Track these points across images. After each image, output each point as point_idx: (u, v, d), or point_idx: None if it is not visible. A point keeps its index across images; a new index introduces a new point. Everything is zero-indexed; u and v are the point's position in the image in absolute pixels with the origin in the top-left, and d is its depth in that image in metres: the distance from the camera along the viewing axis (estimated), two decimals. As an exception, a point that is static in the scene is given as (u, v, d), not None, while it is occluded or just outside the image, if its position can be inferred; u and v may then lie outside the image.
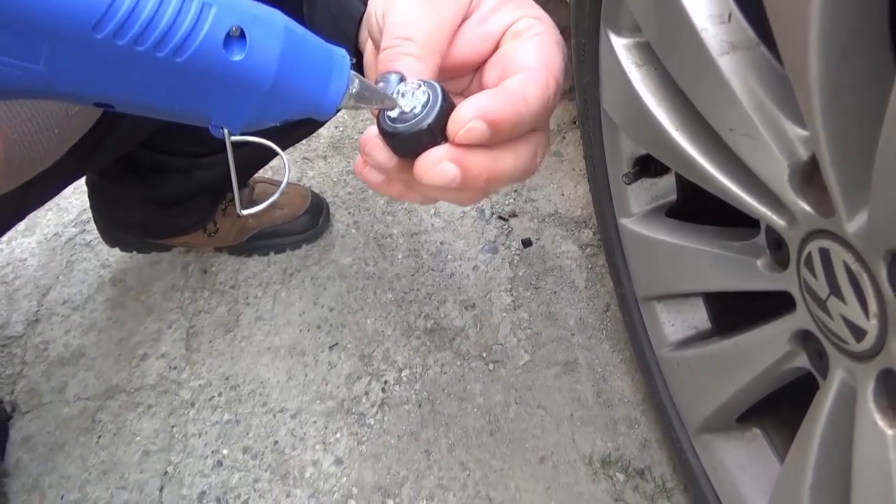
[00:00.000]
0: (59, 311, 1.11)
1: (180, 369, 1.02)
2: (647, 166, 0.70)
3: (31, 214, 1.23)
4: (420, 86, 0.33)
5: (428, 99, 0.32)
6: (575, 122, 1.27)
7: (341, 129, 1.39)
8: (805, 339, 0.53)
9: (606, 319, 0.99)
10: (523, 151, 0.36)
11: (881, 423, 0.44)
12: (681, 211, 0.72)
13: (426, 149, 0.32)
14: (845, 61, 0.36)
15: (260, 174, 1.16)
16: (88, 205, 1.08)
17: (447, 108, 0.32)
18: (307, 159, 1.33)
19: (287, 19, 0.29)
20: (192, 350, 1.04)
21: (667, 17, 0.50)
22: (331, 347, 1.02)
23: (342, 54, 0.32)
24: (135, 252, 1.15)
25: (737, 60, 0.47)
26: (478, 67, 0.39)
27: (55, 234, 1.24)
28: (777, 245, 0.53)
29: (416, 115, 0.32)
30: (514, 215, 1.15)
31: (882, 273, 0.41)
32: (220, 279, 1.13)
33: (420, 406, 0.94)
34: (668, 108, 0.58)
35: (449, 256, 1.10)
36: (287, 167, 0.37)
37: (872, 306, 0.42)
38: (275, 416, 0.95)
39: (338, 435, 0.92)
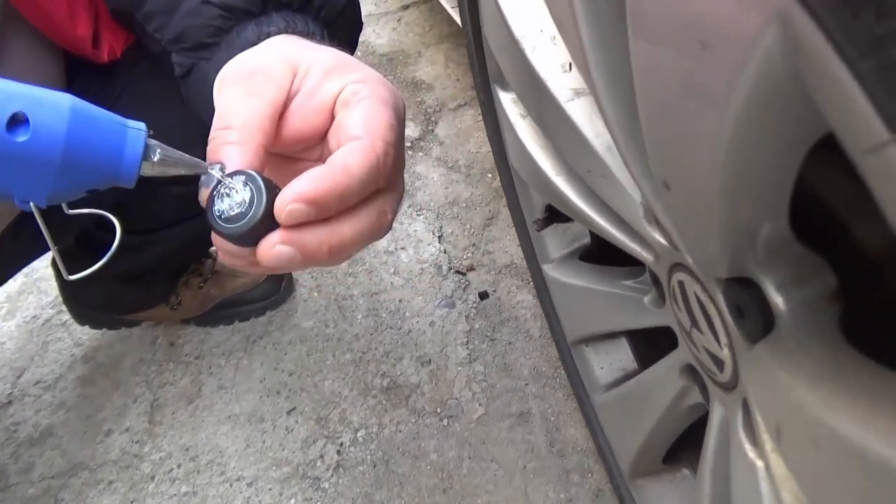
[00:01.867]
0: (32, 391, 1.14)
1: (142, 443, 1.03)
2: (556, 212, 0.71)
3: (14, 298, 1.28)
4: (245, 183, 0.34)
5: (251, 195, 0.34)
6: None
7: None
8: (693, 372, 0.53)
9: (560, 367, 0.98)
10: (364, 216, 0.37)
11: (751, 454, 0.43)
12: (594, 254, 0.73)
13: (263, 237, 0.34)
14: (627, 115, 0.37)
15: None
16: (60, 286, 1.12)
17: (271, 197, 0.34)
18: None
19: (75, 100, 0.32)
20: (155, 423, 1.05)
21: (520, 69, 0.53)
22: (288, 412, 1.02)
23: (138, 127, 0.34)
24: (105, 329, 1.18)
25: (582, 106, 0.49)
26: (323, 136, 0.41)
27: (34, 317, 1.27)
28: (656, 281, 0.54)
29: (243, 214, 0.34)
30: (471, 269, 1.16)
31: (720, 300, 0.41)
32: (186, 351, 1.15)
33: (375, 466, 0.93)
34: (547, 156, 0.59)
35: (407, 314, 1.11)
36: (119, 234, 0.39)
37: (722, 336, 0.43)
38: (231, 485, 0.95)
39: (292, 501, 0.91)
